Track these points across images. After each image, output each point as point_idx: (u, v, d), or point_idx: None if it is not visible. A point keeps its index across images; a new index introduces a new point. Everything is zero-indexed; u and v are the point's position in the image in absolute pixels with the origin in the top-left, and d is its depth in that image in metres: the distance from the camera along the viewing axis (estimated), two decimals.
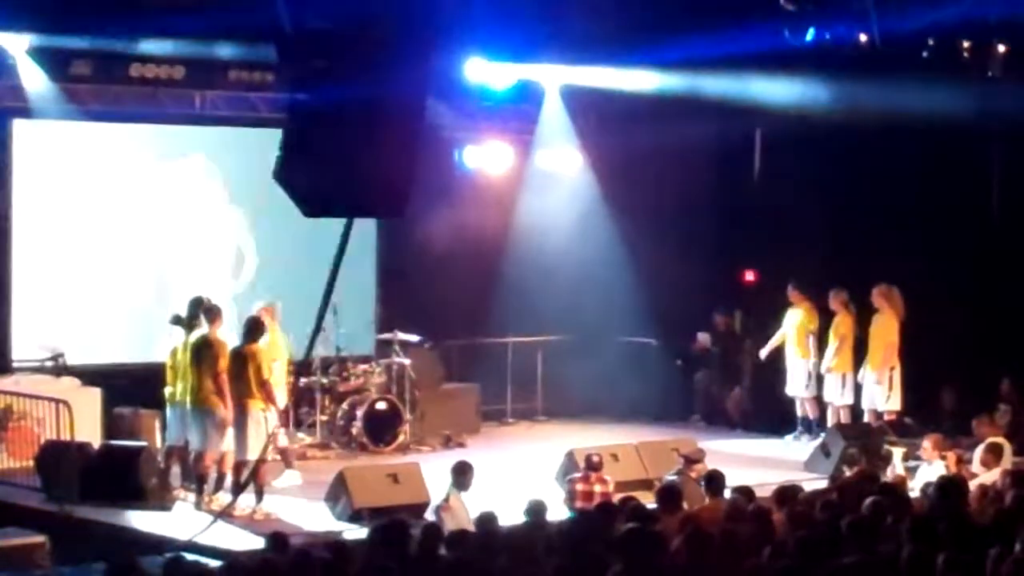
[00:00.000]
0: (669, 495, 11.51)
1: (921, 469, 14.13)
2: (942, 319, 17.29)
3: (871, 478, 12.50)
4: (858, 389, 17.45)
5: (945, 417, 17.07)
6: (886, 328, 17.13)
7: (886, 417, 17.04)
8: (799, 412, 18.15)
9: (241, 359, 13.86)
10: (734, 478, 13.33)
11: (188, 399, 14.07)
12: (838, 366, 17.55)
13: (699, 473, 13.55)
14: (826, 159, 17.59)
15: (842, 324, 17.53)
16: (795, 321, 18.00)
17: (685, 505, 11.56)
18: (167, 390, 14.57)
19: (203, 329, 14.13)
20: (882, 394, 17.15)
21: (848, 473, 13.67)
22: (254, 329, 14.12)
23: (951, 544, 9.33)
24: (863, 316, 17.38)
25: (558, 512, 12.31)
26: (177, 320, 14.47)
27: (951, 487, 11.44)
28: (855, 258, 17.73)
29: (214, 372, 13.86)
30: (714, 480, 12.35)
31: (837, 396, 17.63)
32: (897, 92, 16.33)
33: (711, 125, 18.55)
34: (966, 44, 16.55)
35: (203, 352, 14.00)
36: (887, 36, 16.34)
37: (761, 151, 19.14)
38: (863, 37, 16.58)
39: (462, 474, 12.82)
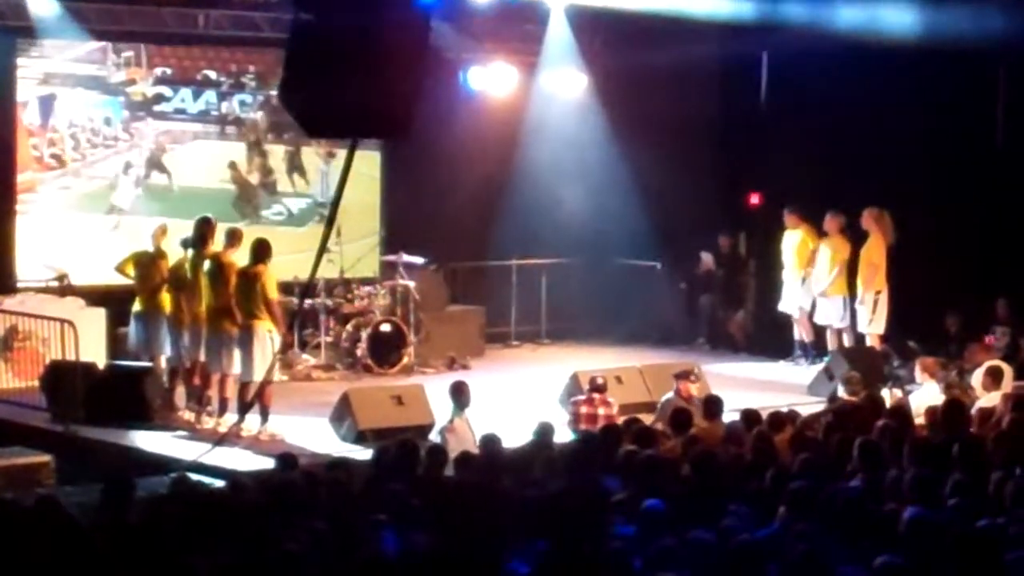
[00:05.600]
0: (680, 418, 11.54)
1: (914, 393, 14.14)
2: (947, 243, 17.23)
3: (875, 402, 12.52)
4: (855, 311, 17.44)
5: (950, 341, 17.04)
6: (870, 250, 17.07)
7: (868, 341, 17.05)
8: (796, 336, 18.13)
9: (248, 279, 13.86)
10: (738, 401, 13.37)
11: (203, 320, 14.11)
12: (836, 289, 17.47)
13: (690, 393, 13.54)
14: (832, 82, 17.45)
15: (840, 248, 17.49)
16: (794, 242, 17.92)
17: None
18: (138, 305, 14.69)
19: (217, 249, 14.15)
20: (865, 316, 17.14)
21: (844, 396, 13.67)
22: (262, 250, 14.10)
23: (954, 467, 9.37)
24: (859, 240, 17.34)
25: (562, 434, 12.35)
26: (186, 243, 14.46)
27: (953, 411, 11.47)
28: (859, 181, 17.62)
29: (228, 294, 13.88)
30: (712, 403, 12.36)
31: (836, 319, 17.57)
32: (903, 14, 16.18)
33: (717, 46, 18.40)
34: None
35: (220, 274, 14.00)
36: None
37: (768, 73, 19.00)
38: None
39: (460, 394, 12.82)
